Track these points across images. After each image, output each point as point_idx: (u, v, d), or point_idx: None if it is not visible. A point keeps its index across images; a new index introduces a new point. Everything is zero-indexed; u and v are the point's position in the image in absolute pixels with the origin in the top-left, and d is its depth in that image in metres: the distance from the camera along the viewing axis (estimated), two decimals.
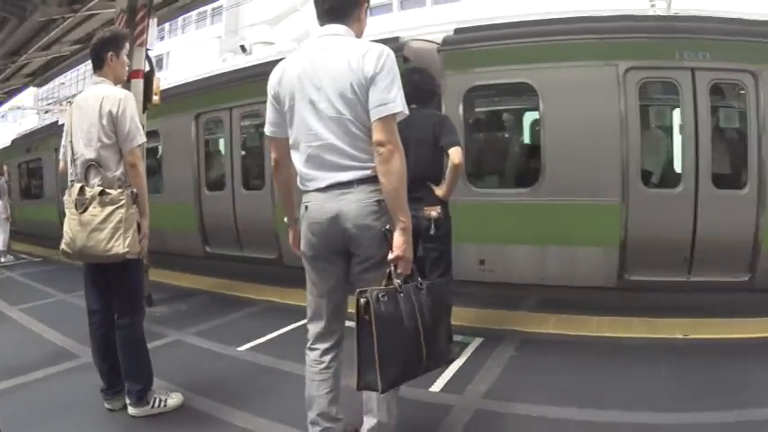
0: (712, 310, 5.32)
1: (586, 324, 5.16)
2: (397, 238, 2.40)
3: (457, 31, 6.98)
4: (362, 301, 2.30)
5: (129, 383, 3.47)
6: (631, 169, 6.10)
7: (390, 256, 2.39)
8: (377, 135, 2.37)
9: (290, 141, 2.60)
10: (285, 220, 2.91)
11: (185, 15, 22.67)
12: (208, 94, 9.33)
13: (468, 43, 6.78)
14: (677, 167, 6.38)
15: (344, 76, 2.40)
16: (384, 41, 2.94)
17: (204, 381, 4.10)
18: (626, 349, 4.57)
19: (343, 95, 2.41)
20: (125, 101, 3.31)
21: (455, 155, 3.88)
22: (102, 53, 3.44)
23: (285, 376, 4.10)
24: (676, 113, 6.41)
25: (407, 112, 2.46)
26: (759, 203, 5.91)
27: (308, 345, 2.75)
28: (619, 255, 6.11)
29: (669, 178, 6.49)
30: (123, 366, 3.44)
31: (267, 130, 2.71)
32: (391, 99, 2.38)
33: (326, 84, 2.44)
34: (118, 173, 3.32)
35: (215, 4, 20.42)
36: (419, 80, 4.20)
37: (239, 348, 4.83)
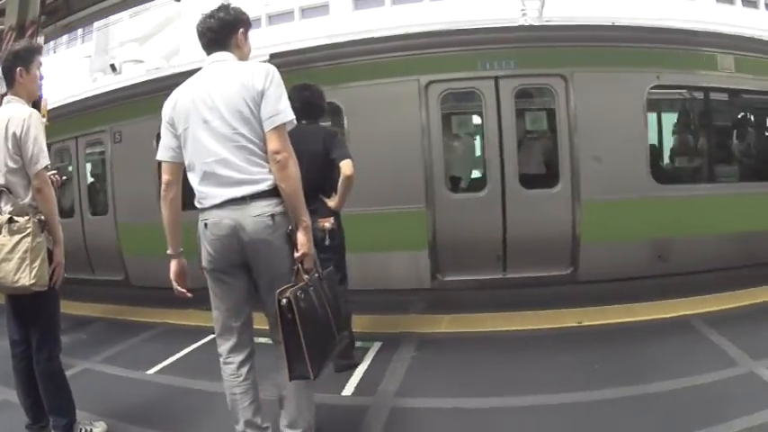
0: (603, 297, 5.73)
1: (480, 321, 5.37)
2: (301, 237, 2.60)
3: (272, 56, 7.12)
4: (284, 301, 2.47)
5: (53, 418, 3.28)
6: (436, 177, 6.52)
7: (296, 254, 2.59)
8: (272, 144, 2.57)
9: (186, 163, 2.74)
10: (168, 251, 2.87)
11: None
12: (56, 124, 8.90)
13: (281, 68, 6.86)
14: (483, 172, 6.88)
15: (237, 94, 2.59)
16: None
17: (123, 407, 3.99)
18: (526, 341, 4.86)
19: (238, 112, 2.59)
20: (28, 120, 3.07)
21: (347, 167, 4.00)
22: (12, 69, 3.18)
23: (200, 395, 4.06)
24: (480, 120, 6.90)
25: (296, 121, 2.69)
26: (574, 199, 6.44)
27: (223, 360, 2.83)
28: (429, 257, 6.46)
29: (476, 182, 7.01)
30: (46, 401, 3.26)
31: (162, 155, 2.80)
32: (282, 110, 2.61)
33: (220, 103, 2.61)
34: (27, 199, 3.11)
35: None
36: (309, 96, 4.31)
37: (148, 372, 4.72)
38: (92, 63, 27.13)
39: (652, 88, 6.63)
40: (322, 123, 4.53)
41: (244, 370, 2.77)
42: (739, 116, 7.69)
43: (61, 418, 3.24)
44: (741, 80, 6.93)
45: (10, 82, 3.19)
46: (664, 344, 4.51)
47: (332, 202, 4.16)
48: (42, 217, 3.10)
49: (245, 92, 2.58)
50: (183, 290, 2.87)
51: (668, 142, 7.49)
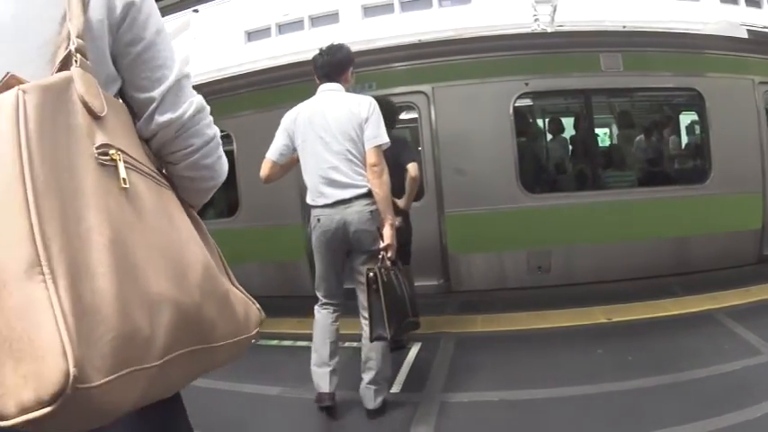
0: (629, 294, 5.92)
1: (514, 320, 5.58)
2: (386, 232, 3.39)
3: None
4: (371, 274, 3.31)
5: None
6: None
7: (381, 245, 3.37)
8: (371, 159, 3.36)
9: (303, 167, 3.58)
10: None
11: None
12: None
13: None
14: None
15: (347, 119, 3.39)
16: None
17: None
18: (561, 336, 5.06)
19: (346, 133, 3.38)
20: None
21: (413, 169, 4.58)
22: None
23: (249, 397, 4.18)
24: None
25: (390, 142, 3.49)
26: (439, 211, 6.60)
27: (319, 304, 3.69)
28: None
29: None
30: None
31: (273, 155, 3.61)
32: (380, 134, 3.41)
33: (333, 125, 3.39)
34: None
35: None
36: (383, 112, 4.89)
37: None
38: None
39: (520, 96, 6.66)
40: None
41: (335, 314, 3.66)
42: (627, 117, 7.66)
43: None
44: (631, 79, 6.84)
45: None
46: (692, 336, 4.73)
47: (401, 202, 4.56)
48: None
49: (354, 118, 3.39)
50: None
51: (540, 150, 7.44)
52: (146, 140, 1.05)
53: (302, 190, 6.42)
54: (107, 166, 0.85)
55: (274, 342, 5.30)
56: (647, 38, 7.43)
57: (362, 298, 3.46)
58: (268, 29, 25.98)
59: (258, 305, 1.14)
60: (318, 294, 3.70)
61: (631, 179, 7.12)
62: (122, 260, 0.80)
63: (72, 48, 0.89)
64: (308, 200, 3.58)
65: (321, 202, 3.45)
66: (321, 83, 3.58)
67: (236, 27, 24.83)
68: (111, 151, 0.86)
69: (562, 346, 4.83)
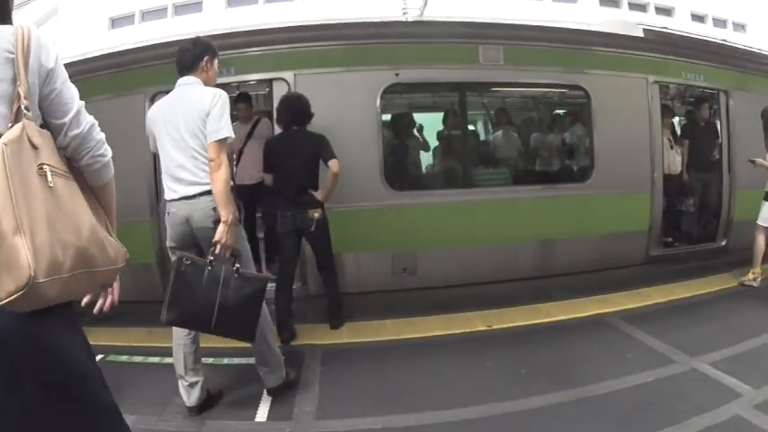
0: (504, 298, 5.43)
1: (382, 329, 4.85)
2: (219, 228, 3.18)
3: None
4: (173, 258, 3.26)
5: None
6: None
7: (213, 240, 3.18)
8: (210, 153, 3.22)
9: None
10: None
11: None
12: None
13: None
14: None
15: (191, 115, 3.27)
16: None
17: None
18: (438, 347, 4.41)
19: (190, 130, 3.28)
20: None
21: (334, 165, 4.60)
22: None
23: None
24: None
25: (233, 135, 3.36)
26: None
27: None
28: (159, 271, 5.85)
29: None
30: None
31: (153, 149, 3.58)
32: (221, 128, 3.24)
33: (180, 121, 3.31)
34: None
35: None
36: (298, 106, 4.79)
37: None
38: None
39: (390, 87, 6.08)
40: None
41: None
42: (504, 113, 7.35)
43: None
44: (511, 73, 6.39)
45: None
46: (587, 343, 4.30)
47: (320, 195, 4.69)
48: None
49: (196, 113, 3.26)
50: None
51: (409, 145, 6.93)
52: (62, 148, 1.70)
53: (151, 185, 5.69)
54: (42, 175, 1.52)
55: (124, 358, 4.36)
56: (531, 32, 6.97)
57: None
58: (132, 16, 25.38)
59: (125, 248, 1.79)
60: None
61: (505, 177, 6.74)
62: (50, 224, 1.50)
63: (22, 105, 1.55)
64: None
65: (170, 196, 3.41)
66: (180, 77, 3.50)
67: (100, 13, 24.72)
68: (44, 167, 1.54)
69: (442, 358, 4.18)
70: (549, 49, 6.39)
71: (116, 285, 1.83)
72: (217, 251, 3.15)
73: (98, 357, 4.10)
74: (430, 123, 7.16)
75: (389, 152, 6.26)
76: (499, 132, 7.27)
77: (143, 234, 5.73)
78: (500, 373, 3.80)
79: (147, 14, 25.11)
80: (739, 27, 27.42)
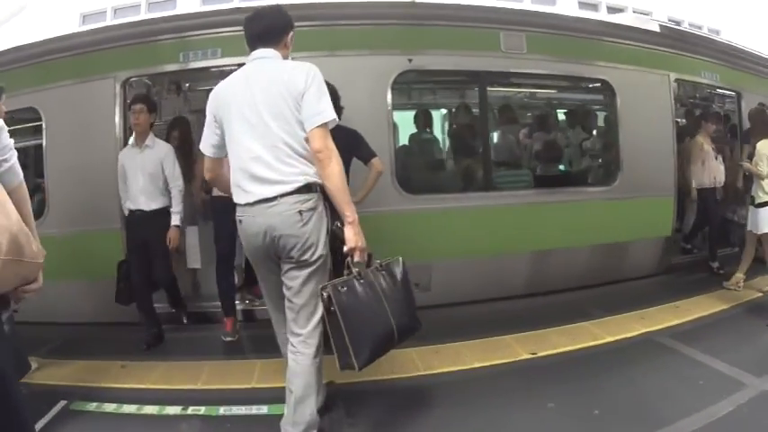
0: (535, 318, 4.87)
1: (407, 361, 4.07)
2: (347, 232, 2.69)
3: None
4: (325, 294, 2.61)
5: None
6: None
7: (345, 249, 2.71)
8: (315, 143, 2.65)
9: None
10: None
11: None
12: None
13: None
14: None
15: (278, 94, 2.70)
16: None
17: None
18: (478, 383, 3.78)
19: (278, 113, 2.70)
20: None
21: (378, 164, 4.33)
22: None
23: None
24: None
25: (338, 119, 2.80)
26: None
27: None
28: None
29: None
30: None
31: (206, 149, 2.95)
32: (324, 109, 2.69)
33: (260, 102, 2.71)
34: None
35: None
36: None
37: None
38: None
39: (401, 75, 5.45)
40: None
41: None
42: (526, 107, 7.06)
43: None
44: (536, 63, 5.87)
45: None
46: (652, 370, 3.80)
47: (357, 196, 4.03)
48: None
49: (286, 92, 2.71)
50: None
51: (426, 142, 6.41)
52: None
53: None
54: None
55: (92, 406, 3.47)
56: (555, 20, 6.39)
57: (291, 317, 2.84)
58: (104, 12, 24.44)
59: (44, 251, 1.91)
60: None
61: (527, 180, 6.16)
62: None
63: None
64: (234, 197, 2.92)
65: (242, 200, 2.81)
66: (252, 49, 2.89)
67: (70, 9, 23.65)
68: None
69: (490, 399, 3.48)
70: (574, 39, 5.92)
71: (40, 279, 1.94)
72: (357, 258, 2.69)
73: (60, 405, 3.40)
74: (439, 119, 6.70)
75: (402, 150, 5.72)
76: (525, 130, 6.78)
77: (112, 243, 5.02)
78: (570, 417, 3.20)
79: (120, 11, 24.11)
80: (714, 32, 28.00)
